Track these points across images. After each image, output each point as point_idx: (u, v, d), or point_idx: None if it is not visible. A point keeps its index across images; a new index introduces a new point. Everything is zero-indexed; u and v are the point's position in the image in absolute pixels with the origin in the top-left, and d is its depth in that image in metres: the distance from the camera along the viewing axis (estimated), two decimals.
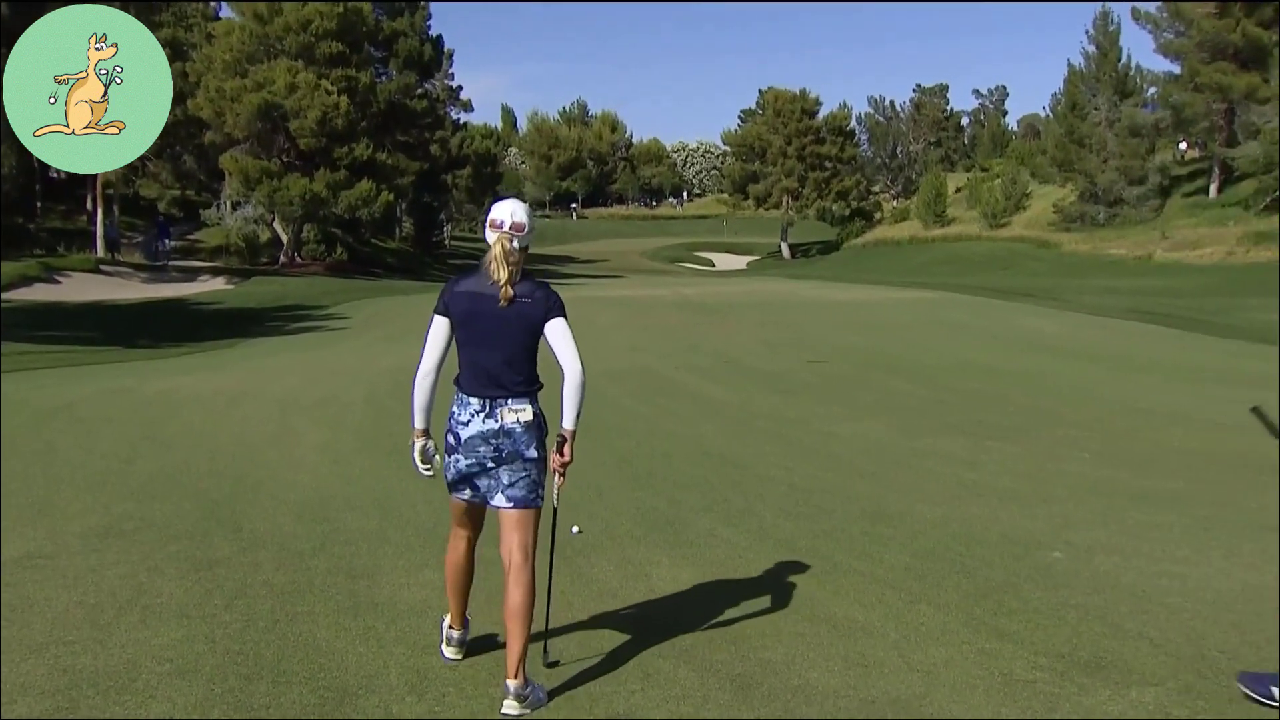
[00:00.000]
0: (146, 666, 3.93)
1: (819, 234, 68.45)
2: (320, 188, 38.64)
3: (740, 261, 67.20)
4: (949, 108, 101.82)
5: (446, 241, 64.84)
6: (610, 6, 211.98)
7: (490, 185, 62.51)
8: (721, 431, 9.60)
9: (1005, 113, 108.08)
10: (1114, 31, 50.55)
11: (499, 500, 3.78)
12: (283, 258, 41.80)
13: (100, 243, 37.27)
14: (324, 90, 38.56)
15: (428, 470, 3.90)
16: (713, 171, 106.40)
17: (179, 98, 32.62)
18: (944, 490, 7.06)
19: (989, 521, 6.19)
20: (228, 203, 43.29)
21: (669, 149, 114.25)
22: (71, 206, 43.40)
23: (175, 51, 35.87)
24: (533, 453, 3.75)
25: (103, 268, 34.81)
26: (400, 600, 4.73)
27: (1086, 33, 51.34)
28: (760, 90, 67.65)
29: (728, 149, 76.43)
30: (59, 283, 30.80)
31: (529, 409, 3.75)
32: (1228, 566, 5.30)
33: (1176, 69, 47.41)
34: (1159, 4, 46.96)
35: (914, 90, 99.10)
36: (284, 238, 42.69)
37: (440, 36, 50.02)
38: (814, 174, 64.62)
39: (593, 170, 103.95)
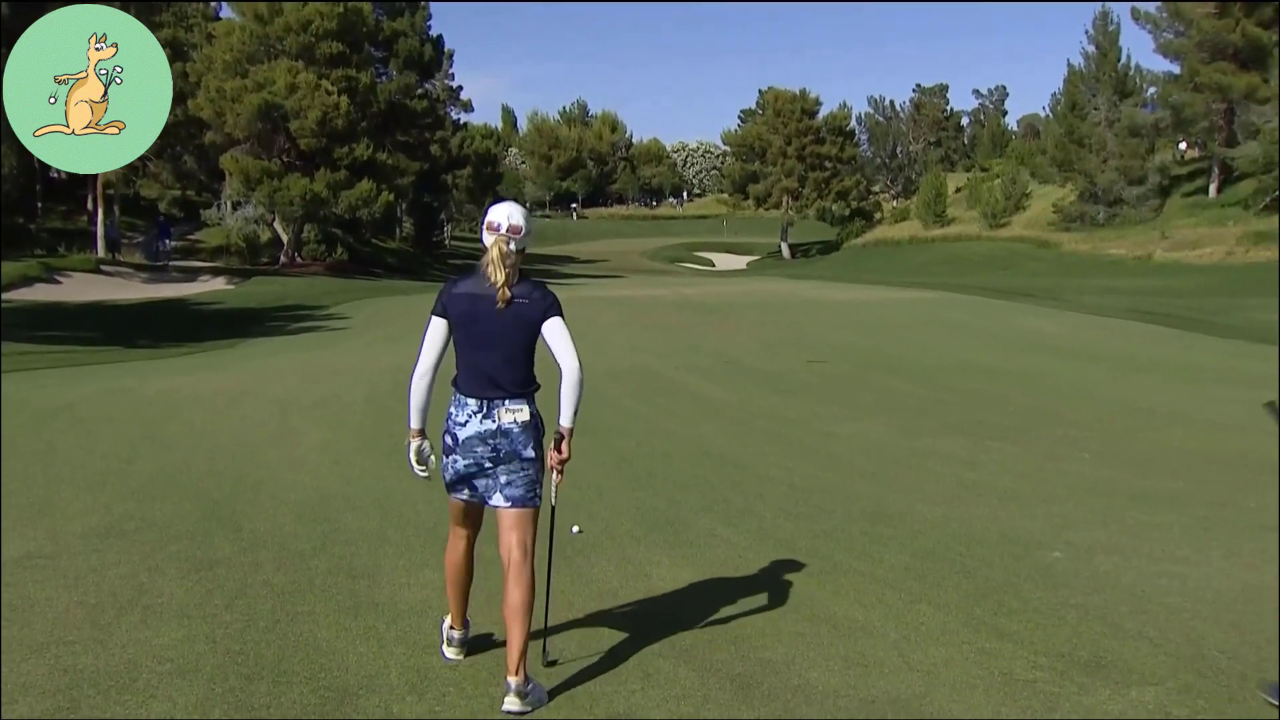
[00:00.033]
0: (147, 666, 3.93)
1: (819, 234, 68.45)
2: (320, 188, 38.64)
3: (740, 261, 67.20)
4: (949, 108, 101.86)
5: (447, 241, 64.87)
6: (610, 6, 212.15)
7: (490, 185, 62.55)
8: (721, 431, 9.60)
9: (1005, 113, 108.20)
10: (1114, 31, 50.59)
11: (497, 500, 3.79)
12: (283, 258, 41.80)
13: (101, 243, 37.28)
14: (324, 90, 38.56)
15: (423, 471, 3.92)
16: (713, 171, 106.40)
17: (179, 98, 32.64)
18: (944, 490, 7.07)
19: (989, 521, 6.20)
20: (228, 203, 43.32)
21: (669, 149, 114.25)
22: (72, 207, 43.42)
23: (176, 52, 35.88)
24: (530, 452, 3.77)
25: (103, 268, 34.82)
26: (400, 600, 4.73)
27: (1086, 33, 51.45)
28: (760, 90, 67.80)
29: (728, 149, 76.45)
30: (59, 283, 30.81)
31: (526, 409, 3.78)
32: (1228, 566, 5.30)
33: (1176, 69, 47.46)
34: (1159, 4, 47.04)
35: (914, 90, 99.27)
36: (284, 238, 42.70)
37: (440, 37, 50.13)
38: (814, 174, 64.63)
39: (593, 170, 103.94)
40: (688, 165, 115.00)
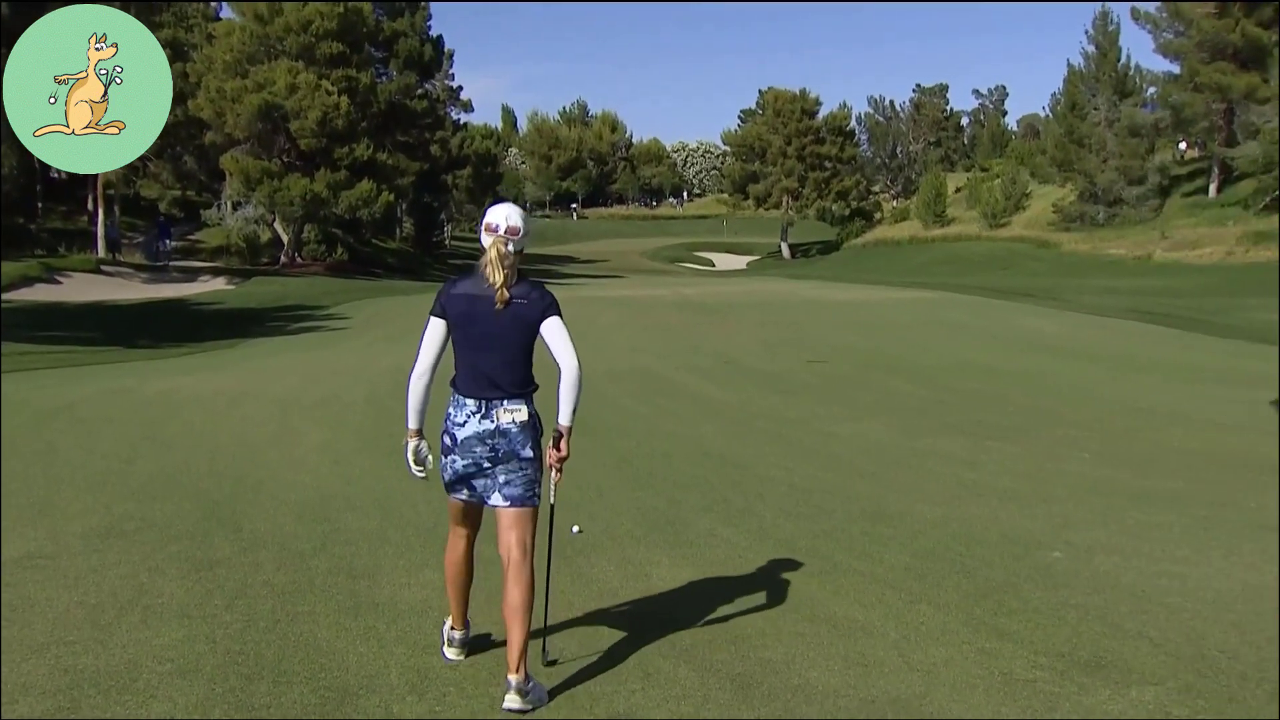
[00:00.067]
0: (147, 666, 3.93)
1: (819, 234, 68.45)
2: (321, 188, 38.65)
3: (740, 261, 67.21)
4: (949, 108, 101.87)
5: (447, 242, 64.89)
6: (610, 6, 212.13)
7: (490, 185, 62.58)
8: (721, 432, 9.60)
9: (1005, 113, 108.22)
10: (1114, 31, 50.58)
11: (496, 499, 3.81)
12: (283, 258, 41.80)
13: (101, 243, 37.28)
14: (324, 91, 38.57)
15: (420, 472, 3.94)
16: (713, 171, 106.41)
17: (180, 98, 32.64)
18: (944, 490, 7.07)
19: (989, 521, 6.20)
20: (228, 203, 43.32)
21: (669, 149, 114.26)
22: (72, 207, 43.44)
23: (176, 52, 35.87)
24: (528, 452, 3.79)
25: (103, 268, 34.82)
26: (401, 600, 4.73)
27: (1086, 33, 51.44)
28: (760, 90, 67.80)
29: (728, 149, 76.45)
30: (60, 283, 30.81)
31: (524, 409, 3.79)
32: (1228, 566, 5.30)
33: (1176, 69, 47.46)
34: (1159, 4, 47.03)
35: (914, 90, 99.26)
36: (284, 238, 42.70)
37: (440, 37, 50.15)
38: (814, 174, 64.64)
39: (593, 170, 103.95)
40: (688, 165, 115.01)
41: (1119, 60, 50.28)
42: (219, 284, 34.83)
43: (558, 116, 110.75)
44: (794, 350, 17.07)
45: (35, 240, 36.86)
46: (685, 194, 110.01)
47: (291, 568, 5.21)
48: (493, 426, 3.75)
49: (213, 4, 45.45)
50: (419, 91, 48.25)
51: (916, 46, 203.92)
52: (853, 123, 70.74)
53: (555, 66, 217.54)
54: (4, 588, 4.81)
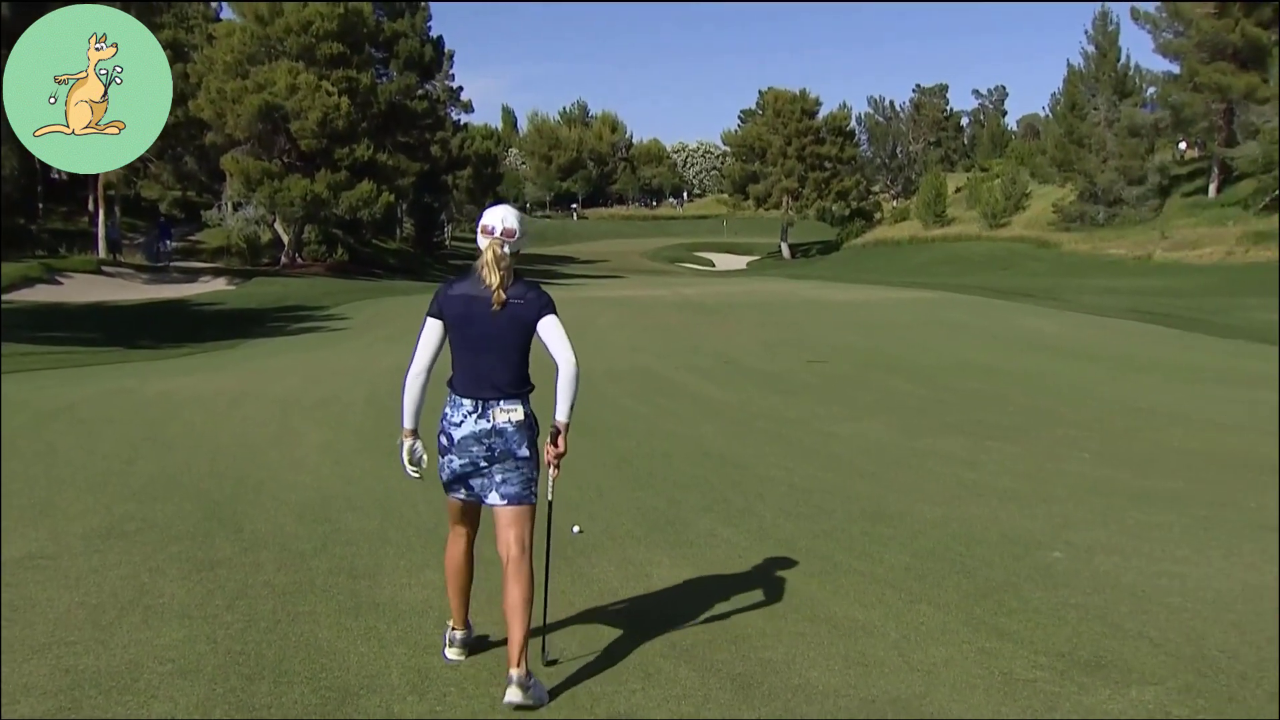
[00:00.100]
0: (148, 667, 3.94)
1: (819, 234, 68.46)
2: (321, 189, 38.66)
3: (740, 262, 67.22)
4: (949, 108, 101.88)
5: (447, 242, 64.91)
6: (610, 6, 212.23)
7: (491, 186, 62.62)
8: (721, 432, 9.60)
9: (1005, 113, 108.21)
10: (1113, 31, 50.56)
11: (493, 498, 3.83)
12: (284, 258, 41.82)
13: (102, 244, 37.30)
14: (325, 91, 38.58)
15: (415, 472, 3.95)
16: (713, 172, 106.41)
17: (180, 99, 32.64)
18: (944, 490, 7.07)
19: (989, 521, 6.20)
20: (229, 204, 43.31)
21: (669, 149, 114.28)
22: (73, 208, 43.46)
23: (176, 53, 35.88)
24: (524, 451, 3.82)
25: (104, 269, 34.83)
26: (401, 600, 4.74)
27: (1086, 33, 51.39)
28: (760, 90, 67.79)
29: (728, 149, 76.44)
30: (60, 284, 30.83)
31: (520, 409, 3.82)
32: (1228, 566, 5.30)
33: (1176, 69, 47.45)
34: (1158, 4, 47.03)
35: (914, 90, 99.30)
36: (285, 238, 42.71)
37: (441, 37, 50.19)
38: (814, 174, 64.64)
39: (593, 171, 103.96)
40: (688, 165, 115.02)
41: (1119, 60, 50.27)
42: (220, 285, 34.86)
43: (558, 117, 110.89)
44: (794, 350, 17.07)
45: (36, 241, 36.88)
46: (685, 194, 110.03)
47: (292, 568, 5.21)
48: (489, 426, 3.78)
49: (213, 5, 45.50)
50: (419, 92, 48.27)
51: (916, 46, 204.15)
52: (853, 123, 70.78)
53: (555, 66, 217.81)
54: (5, 588, 4.81)
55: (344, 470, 7.73)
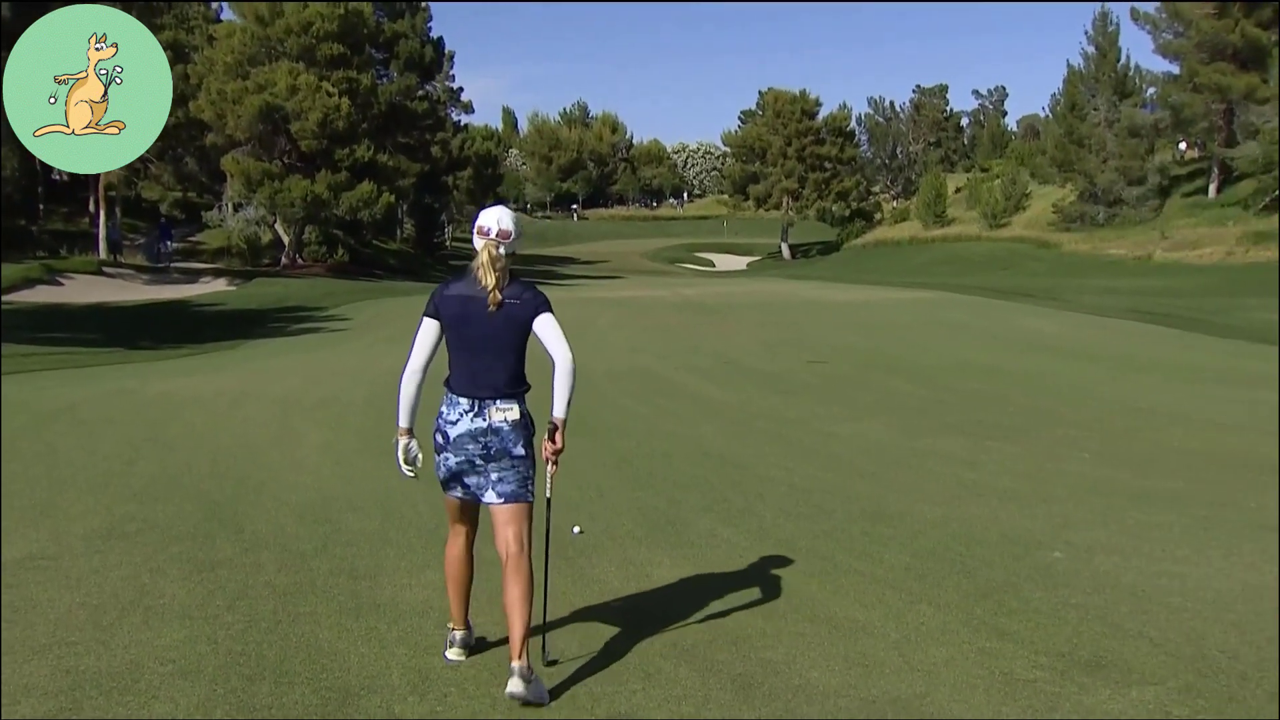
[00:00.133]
0: (149, 667, 3.94)
1: (819, 235, 68.47)
2: (321, 189, 38.67)
3: (740, 262, 67.25)
4: (949, 108, 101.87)
5: (448, 243, 64.84)
6: (610, 6, 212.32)
7: (491, 186, 62.64)
8: (721, 432, 9.61)
9: (1005, 113, 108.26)
10: (1113, 32, 50.61)
11: (490, 497, 3.85)
12: (284, 259, 41.84)
13: (102, 245, 37.32)
14: (325, 92, 38.59)
15: (410, 471, 3.97)
16: (713, 172, 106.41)
17: (180, 100, 32.66)
18: (944, 490, 7.07)
19: (989, 521, 6.20)
20: (229, 204, 43.31)
21: (669, 150, 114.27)
22: (74, 209, 43.48)
23: (177, 54, 35.88)
24: (520, 450, 3.84)
25: (105, 269, 34.85)
26: (402, 601, 4.74)
27: (1086, 33, 51.46)
28: (760, 91, 67.88)
29: (728, 150, 76.45)
30: (61, 285, 30.85)
31: (516, 409, 3.84)
32: (1228, 566, 5.31)
33: (1176, 69, 47.49)
34: (1158, 4, 47.04)
35: (914, 91, 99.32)
36: (285, 239, 42.72)
37: (441, 38, 50.21)
38: (814, 175, 64.67)
39: (593, 171, 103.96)
40: (688, 166, 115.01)
41: (1119, 61, 50.32)
42: (220, 285, 34.88)
43: (558, 117, 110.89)
44: (794, 350, 17.07)
45: (37, 242, 36.90)
46: (685, 195, 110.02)
47: (293, 569, 5.21)
48: (485, 425, 3.80)
49: (214, 5, 45.53)
50: (419, 93, 48.28)
51: (916, 46, 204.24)
52: (853, 123, 70.81)
53: (555, 67, 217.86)
54: (6, 589, 4.81)
55: (344, 471, 7.73)
